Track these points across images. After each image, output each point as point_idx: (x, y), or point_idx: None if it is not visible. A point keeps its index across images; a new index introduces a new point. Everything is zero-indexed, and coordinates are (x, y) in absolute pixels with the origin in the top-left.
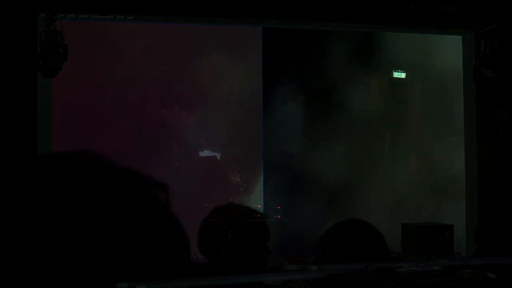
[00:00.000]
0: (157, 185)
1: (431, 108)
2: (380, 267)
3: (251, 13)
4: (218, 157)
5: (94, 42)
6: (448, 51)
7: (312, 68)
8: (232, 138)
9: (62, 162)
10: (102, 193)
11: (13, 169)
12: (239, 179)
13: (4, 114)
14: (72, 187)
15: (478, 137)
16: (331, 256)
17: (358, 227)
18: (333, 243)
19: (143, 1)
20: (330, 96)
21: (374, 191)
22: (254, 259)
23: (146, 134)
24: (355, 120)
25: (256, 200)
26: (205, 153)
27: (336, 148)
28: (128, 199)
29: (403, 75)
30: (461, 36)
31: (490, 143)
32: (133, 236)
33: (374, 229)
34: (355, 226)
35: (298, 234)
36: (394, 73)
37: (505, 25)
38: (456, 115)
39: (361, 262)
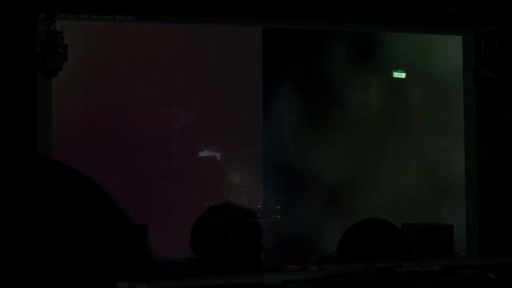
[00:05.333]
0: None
1: (431, 108)
2: (380, 267)
3: (251, 13)
4: (218, 157)
5: (94, 42)
6: (448, 51)
7: (312, 68)
8: (232, 138)
9: (62, 162)
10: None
11: (13, 169)
12: (239, 179)
13: (4, 114)
14: (71, 187)
15: (478, 137)
16: (348, 254)
17: (380, 226)
18: (353, 242)
19: (143, 1)
20: (330, 96)
21: (374, 191)
22: (250, 256)
23: (146, 134)
24: (355, 120)
25: (256, 200)
26: (205, 153)
27: (336, 148)
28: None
29: (403, 75)
30: (461, 36)
31: (490, 143)
32: (131, 235)
33: (396, 228)
34: (376, 226)
35: (298, 234)
36: (394, 73)
37: (505, 25)
38: (456, 115)
39: (363, 262)
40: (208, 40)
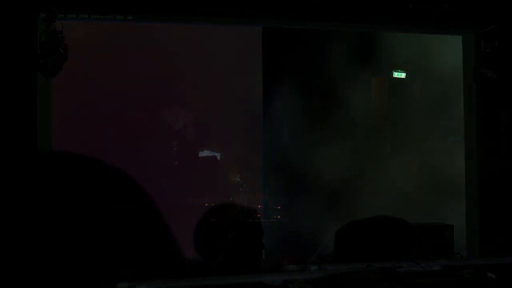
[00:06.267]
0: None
1: (431, 108)
2: (380, 267)
3: (251, 13)
4: (218, 157)
5: (94, 42)
6: (448, 51)
7: (312, 68)
8: (232, 138)
9: (62, 162)
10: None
11: (13, 170)
12: (239, 179)
13: (4, 114)
14: (71, 187)
15: (478, 137)
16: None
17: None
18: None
19: (143, 1)
20: (330, 96)
21: (374, 191)
22: (251, 255)
23: (145, 134)
24: (355, 120)
25: (256, 200)
26: (205, 153)
27: (336, 148)
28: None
29: (403, 75)
30: (461, 36)
31: (490, 143)
32: (131, 235)
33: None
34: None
35: (298, 234)
36: (394, 73)
37: (505, 25)
38: (456, 115)
39: (363, 262)
40: (208, 40)
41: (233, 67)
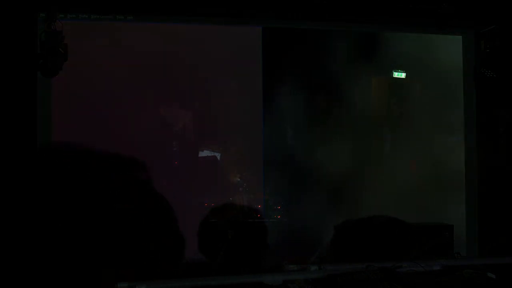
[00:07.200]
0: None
1: (431, 108)
2: (380, 267)
3: (251, 13)
4: (218, 157)
5: (93, 41)
6: (448, 51)
7: (312, 68)
8: (232, 138)
9: (62, 162)
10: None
11: (13, 170)
12: (239, 179)
13: (4, 114)
14: (71, 187)
15: (478, 137)
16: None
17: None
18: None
19: (143, 1)
20: (330, 96)
21: (374, 191)
22: (255, 254)
23: (145, 134)
24: (355, 120)
25: (256, 200)
26: (205, 153)
27: (336, 149)
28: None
29: (403, 75)
30: (461, 36)
31: (490, 143)
32: (133, 234)
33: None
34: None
35: (298, 234)
36: (394, 73)
37: (505, 25)
38: (456, 115)
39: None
40: (208, 40)
41: (233, 67)
